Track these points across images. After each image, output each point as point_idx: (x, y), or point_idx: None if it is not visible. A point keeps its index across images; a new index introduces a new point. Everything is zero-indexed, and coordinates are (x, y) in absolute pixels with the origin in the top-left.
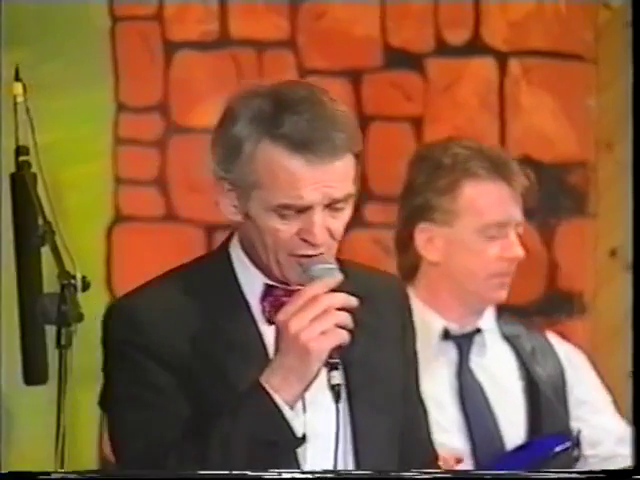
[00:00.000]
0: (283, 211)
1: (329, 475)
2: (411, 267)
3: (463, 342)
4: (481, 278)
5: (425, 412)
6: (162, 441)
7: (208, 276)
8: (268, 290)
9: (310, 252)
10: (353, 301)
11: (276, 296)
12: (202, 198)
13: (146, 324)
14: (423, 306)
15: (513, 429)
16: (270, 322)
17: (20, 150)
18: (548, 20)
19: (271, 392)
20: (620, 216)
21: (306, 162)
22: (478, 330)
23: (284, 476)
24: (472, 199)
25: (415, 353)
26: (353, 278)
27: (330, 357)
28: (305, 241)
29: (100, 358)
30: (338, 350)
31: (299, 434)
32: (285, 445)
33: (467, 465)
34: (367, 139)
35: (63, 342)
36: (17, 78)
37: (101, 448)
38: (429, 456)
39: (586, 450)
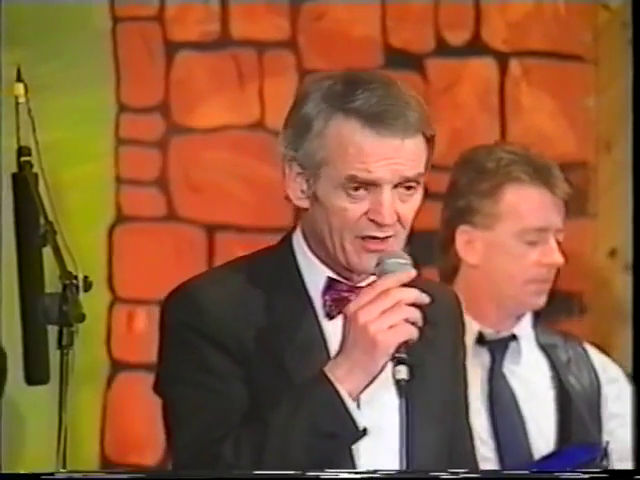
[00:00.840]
0: (351, 187)
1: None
2: (451, 269)
3: (497, 347)
4: (519, 283)
5: (470, 426)
6: (219, 426)
7: (271, 267)
8: (331, 284)
9: (378, 234)
10: (425, 298)
11: (338, 290)
12: (203, 198)
13: (209, 310)
14: None
15: (542, 438)
16: (330, 317)
17: (22, 150)
18: (547, 21)
19: (335, 383)
20: (620, 216)
21: (377, 137)
22: (513, 336)
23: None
24: (513, 203)
25: (465, 367)
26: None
27: (397, 352)
28: (373, 221)
29: (100, 357)
30: (405, 345)
31: (361, 427)
32: (345, 438)
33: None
34: None
35: (65, 342)
36: (19, 78)
37: (103, 447)
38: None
39: (614, 463)
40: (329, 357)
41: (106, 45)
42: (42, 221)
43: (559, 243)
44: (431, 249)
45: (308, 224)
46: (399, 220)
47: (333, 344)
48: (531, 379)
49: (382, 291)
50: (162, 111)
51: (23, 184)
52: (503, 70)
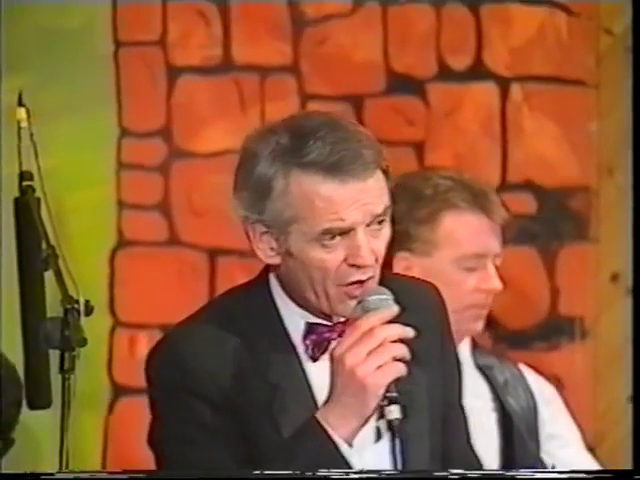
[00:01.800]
0: (326, 239)
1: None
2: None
3: None
4: (457, 309)
5: (465, 419)
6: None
7: (251, 311)
8: (310, 328)
9: (360, 277)
10: (409, 332)
11: (319, 333)
12: (205, 222)
13: (192, 365)
14: None
15: (486, 462)
16: (314, 359)
17: (24, 175)
18: (550, 45)
19: (328, 429)
20: (621, 241)
21: (341, 183)
22: None
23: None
24: (451, 230)
25: (456, 363)
26: (391, 289)
27: (387, 391)
28: (353, 266)
29: (102, 381)
30: (395, 384)
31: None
32: None
33: None
34: None
35: (66, 366)
36: (20, 103)
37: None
38: (471, 461)
39: None
40: (315, 401)
41: (108, 69)
42: (44, 245)
43: (497, 268)
44: None
45: (283, 274)
46: (375, 257)
47: (318, 387)
48: (472, 404)
49: (366, 331)
50: (164, 135)
51: (25, 209)
52: (505, 95)
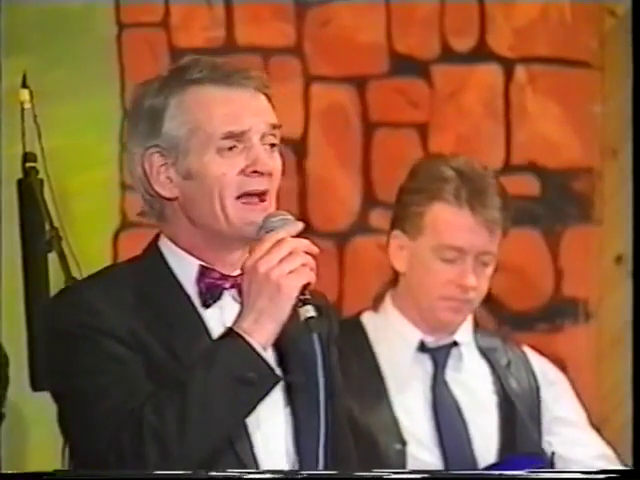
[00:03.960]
0: (226, 145)
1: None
2: (395, 272)
3: (439, 355)
4: (434, 298)
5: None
6: (133, 397)
7: (142, 268)
8: (203, 272)
9: (257, 187)
10: (315, 249)
11: (212, 278)
12: None
13: (100, 308)
14: (400, 315)
15: (485, 445)
16: (207, 305)
17: (27, 156)
18: (553, 27)
19: (244, 335)
20: (625, 223)
21: (235, 92)
22: (455, 343)
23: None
24: (435, 219)
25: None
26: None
27: (300, 294)
28: (253, 173)
29: None
30: (307, 288)
31: (276, 371)
32: (263, 384)
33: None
34: (372, 145)
35: None
36: (24, 85)
37: None
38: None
39: (566, 465)
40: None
41: (111, 51)
42: (47, 227)
43: (485, 265)
44: None
45: (176, 218)
46: (271, 174)
47: (214, 332)
48: (473, 386)
49: (276, 242)
50: None
51: (29, 190)
52: (508, 76)
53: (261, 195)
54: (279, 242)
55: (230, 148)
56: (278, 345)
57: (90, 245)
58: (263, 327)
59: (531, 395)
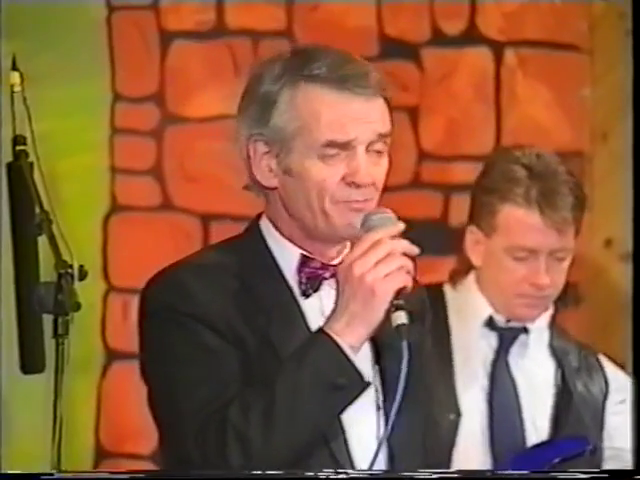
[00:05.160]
0: (328, 152)
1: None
2: (466, 264)
3: (506, 336)
4: (509, 295)
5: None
6: (221, 395)
7: (243, 252)
8: (304, 261)
9: (358, 197)
10: (415, 249)
11: (312, 268)
12: (198, 187)
13: (195, 293)
14: (478, 290)
15: (535, 430)
16: (306, 295)
17: (17, 139)
18: (543, 10)
19: (335, 337)
20: (615, 206)
21: (347, 98)
22: (525, 329)
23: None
24: (506, 220)
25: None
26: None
27: (394, 299)
28: (352, 184)
29: (95, 346)
30: (402, 293)
31: (365, 378)
32: (352, 389)
33: (484, 454)
34: None
35: (60, 331)
36: (14, 68)
37: (98, 436)
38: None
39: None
40: (310, 331)
41: (101, 35)
42: (37, 210)
43: (560, 260)
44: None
45: (276, 205)
46: (374, 184)
47: (312, 322)
48: (534, 374)
49: (374, 243)
50: (157, 101)
51: (18, 173)
52: (499, 60)
53: (363, 201)
54: (377, 243)
55: (332, 155)
56: (376, 341)
57: (80, 228)
58: (355, 330)
59: (599, 399)
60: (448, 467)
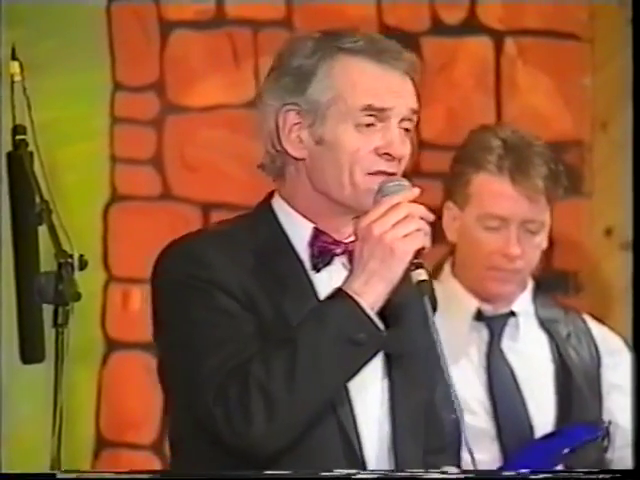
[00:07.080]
0: (365, 120)
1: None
2: (452, 243)
3: (495, 324)
4: (481, 267)
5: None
6: (243, 351)
7: (254, 226)
8: (316, 235)
9: (387, 169)
10: (431, 215)
11: (324, 242)
12: (198, 177)
13: (212, 262)
14: (458, 284)
15: (542, 414)
16: (317, 269)
17: (17, 129)
18: None
19: (354, 295)
20: (615, 195)
21: (383, 70)
22: (512, 313)
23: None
24: (479, 188)
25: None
26: None
27: (413, 258)
28: (384, 155)
29: (95, 336)
30: (420, 253)
31: (384, 333)
32: (371, 343)
33: (493, 448)
34: None
35: (60, 321)
36: (14, 57)
37: (98, 426)
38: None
39: (617, 441)
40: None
41: (101, 24)
42: (37, 200)
43: (532, 233)
44: None
45: (298, 178)
46: (403, 158)
47: (322, 296)
48: (530, 355)
49: (393, 205)
50: (157, 90)
51: (18, 162)
52: (499, 49)
53: (389, 174)
54: (395, 206)
55: (368, 125)
56: (382, 312)
57: (80, 218)
58: (373, 289)
59: (592, 365)
60: (454, 460)
